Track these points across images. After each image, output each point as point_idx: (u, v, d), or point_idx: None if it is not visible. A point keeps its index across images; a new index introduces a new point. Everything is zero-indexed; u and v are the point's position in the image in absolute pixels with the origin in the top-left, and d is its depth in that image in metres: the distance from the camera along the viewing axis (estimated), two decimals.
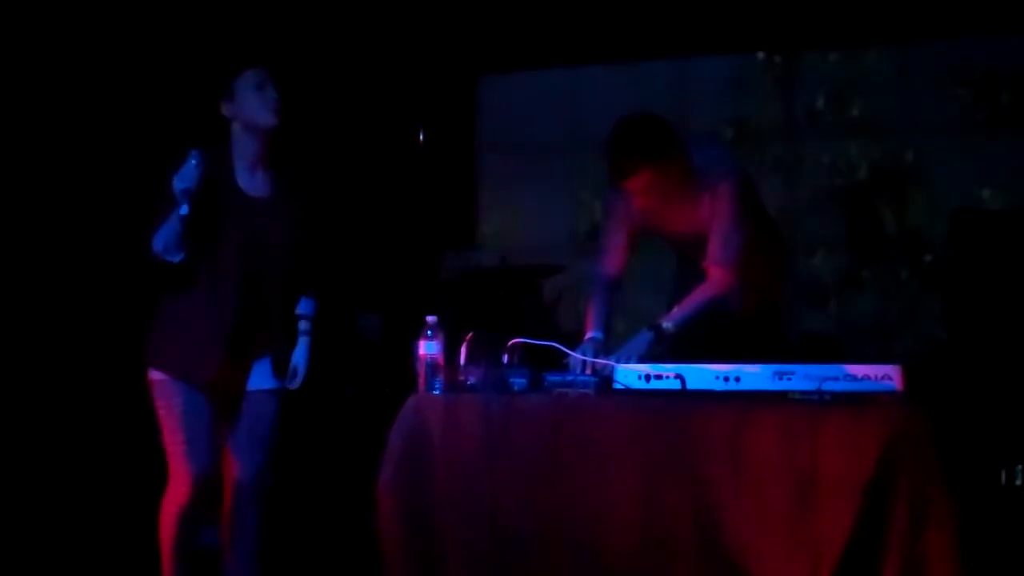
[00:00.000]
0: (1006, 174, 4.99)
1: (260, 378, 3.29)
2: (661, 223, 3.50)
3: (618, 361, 3.07)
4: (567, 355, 3.14)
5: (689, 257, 3.54)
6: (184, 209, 2.99)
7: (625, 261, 3.54)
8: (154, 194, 3.16)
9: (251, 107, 3.20)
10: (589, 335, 3.37)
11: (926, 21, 4.91)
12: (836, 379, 2.66)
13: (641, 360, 3.06)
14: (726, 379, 2.76)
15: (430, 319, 2.93)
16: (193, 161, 3.00)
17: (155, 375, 3.20)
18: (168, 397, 3.17)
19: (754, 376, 2.74)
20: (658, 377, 2.81)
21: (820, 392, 2.64)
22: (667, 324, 3.26)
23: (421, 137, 5.30)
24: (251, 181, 3.23)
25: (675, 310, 3.33)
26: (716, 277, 3.37)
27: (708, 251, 3.37)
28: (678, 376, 2.79)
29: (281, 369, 3.31)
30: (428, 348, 2.91)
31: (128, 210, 4.00)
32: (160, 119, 4.24)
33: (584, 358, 3.14)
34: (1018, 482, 3.72)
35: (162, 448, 3.19)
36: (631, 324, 3.49)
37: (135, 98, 4.29)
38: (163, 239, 3.07)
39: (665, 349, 3.18)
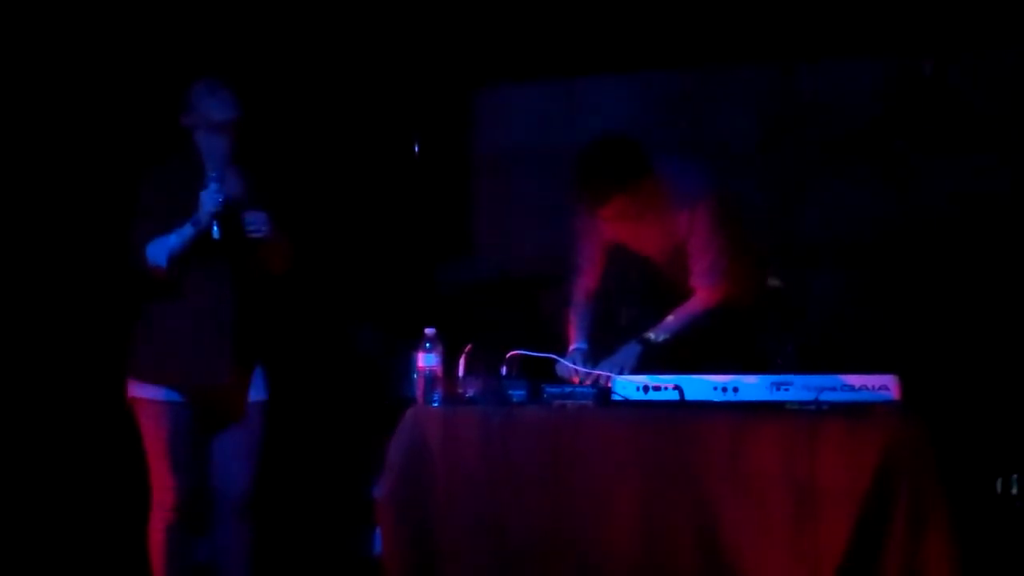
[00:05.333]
0: None
1: (253, 389, 3.30)
2: (632, 243, 3.52)
3: (606, 373, 3.10)
4: (556, 363, 3.16)
5: (660, 273, 3.56)
6: (216, 233, 3.08)
7: (600, 275, 3.58)
8: (129, 205, 3.19)
9: (207, 108, 3.23)
10: (574, 346, 3.41)
11: None
12: (833, 389, 2.68)
13: (631, 372, 3.09)
14: (724, 390, 2.77)
15: (428, 331, 2.94)
16: (215, 185, 3.08)
17: (140, 392, 3.19)
18: (155, 418, 3.17)
19: (752, 387, 2.75)
20: (656, 388, 2.82)
21: (817, 402, 2.66)
22: (655, 337, 3.29)
23: (417, 148, 5.30)
24: (220, 179, 3.23)
25: (663, 323, 3.36)
26: (704, 295, 3.40)
27: (694, 271, 3.40)
28: (676, 387, 2.80)
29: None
30: (427, 360, 2.92)
31: (92, 221, 4.02)
32: (126, 129, 4.22)
33: (573, 366, 3.17)
34: (1013, 491, 3.73)
35: (146, 463, 3.21)
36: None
37: (101, 108, 4.26)
38: (166, 253, 3.09)
39: (653, 361, 3.21)
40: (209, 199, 3.07)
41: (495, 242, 5.51)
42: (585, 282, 3.57)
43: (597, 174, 3.25)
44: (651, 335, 3.30)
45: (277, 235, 3.24)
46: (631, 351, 3.26)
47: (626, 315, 3.67)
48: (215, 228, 3.08)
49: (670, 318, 3.37)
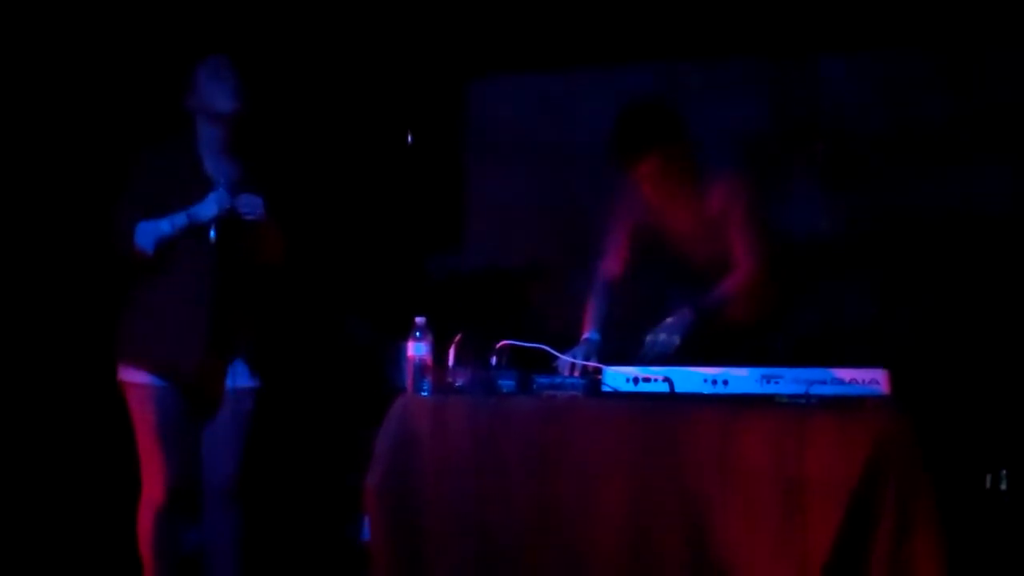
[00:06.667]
0: None
1: (237, 376, 3.29)
2: (664, 218, 3.48)
3: (658, 338, 3.13)
4: (556, 357, 3.15)
5: (686, 257, 3.53)
6: (213, 235, 3.11)
7: (625, 262, 3.54)
8: (116, 187, 3.19)
9: (209, 94, 3.22)
10: (585, 336, 3.38)
11: None
12: (823, 383, 2.67)
13: (680, 340, 3.12)
14: (714, 382, 2.76)
15: (419, 320, 2.93)
16: (222, 190, 3.12)
17: (129, 376, 3.19)
18: (143, 402, 3.17)
19: (742, 379, 2.74)
20: (646, 380, 2.82)
21: (807, 396, 2.66)
22: (704, 303, 3.28)
23: (410, 140, 5.30)
24: (218, 168, 3.24)
25: (712, 293, 3.33)
26: (747, 267, 3.37)
27: (737, 244, 3.37)
28: (666, 379, 2.79)
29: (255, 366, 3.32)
30: (416, 349, 2.91)
31: (80, 204, 3.99)
32: (116, 112, 4.20)
33: (573, 360, 3.15)
34: (1003, 486, 3.74)
35: (136, 449, 3.21)
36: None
37: (91, 92, 4.24)
38: (154, 238, 3.09)
39: (702, 327, 3.22)
40: (214, 202, 3.10)
41: (486, 232, 5.51)
42: (609, 265, 3.54)
43: (635, 129, 3.27)
44: (701, 302, 3.28)
45: (269, 221, 3.24)
46: (683, 317, 3.23)
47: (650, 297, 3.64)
48: (212, 231, 3.12)
49: (717, 289, 3.34)
